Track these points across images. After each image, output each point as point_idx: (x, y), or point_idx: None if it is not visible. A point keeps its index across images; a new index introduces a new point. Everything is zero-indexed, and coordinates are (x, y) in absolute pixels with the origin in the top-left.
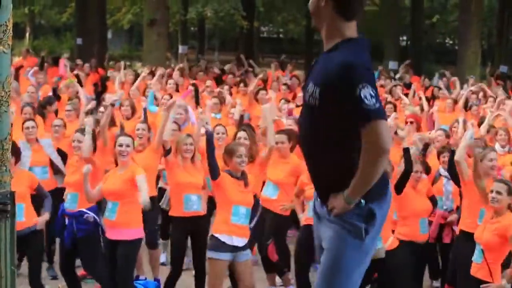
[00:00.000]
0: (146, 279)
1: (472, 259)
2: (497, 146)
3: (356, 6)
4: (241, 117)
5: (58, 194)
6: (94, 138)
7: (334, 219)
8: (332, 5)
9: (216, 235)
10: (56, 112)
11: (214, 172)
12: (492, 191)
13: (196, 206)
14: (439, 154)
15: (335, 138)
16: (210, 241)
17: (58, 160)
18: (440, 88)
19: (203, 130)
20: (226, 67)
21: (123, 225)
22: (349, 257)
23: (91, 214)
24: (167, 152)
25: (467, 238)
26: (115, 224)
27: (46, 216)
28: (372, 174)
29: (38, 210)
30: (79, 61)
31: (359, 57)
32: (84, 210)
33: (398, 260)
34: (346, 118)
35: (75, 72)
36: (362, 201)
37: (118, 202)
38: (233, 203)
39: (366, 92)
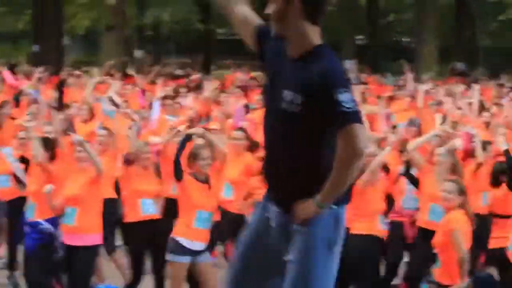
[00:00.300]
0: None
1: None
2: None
3: (324, 9)
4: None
5: (21, 202)
6: (51, 144)
7: (303, 230)
8: (300, 8)
9: (177, 238)
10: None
11: (178, 172)
12: (443, 191)
13: (151, 209)
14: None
15: (308, 144)
16: (170, 243)
17: (18, 170)
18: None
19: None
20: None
21: (83, 230)
22: (323, 267)
23: (47, 225)
24: (127, 161)
25: (425, 236)
26: (75, 230)
27: None
28: (347, 177)
29: None
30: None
31: (338, 63)
32: (40, 221)
33: (359, 252)
34: (321, 124)
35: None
36: (334, 206)
37: (77, 207)
38: (197, 208)
39: (346, 96)
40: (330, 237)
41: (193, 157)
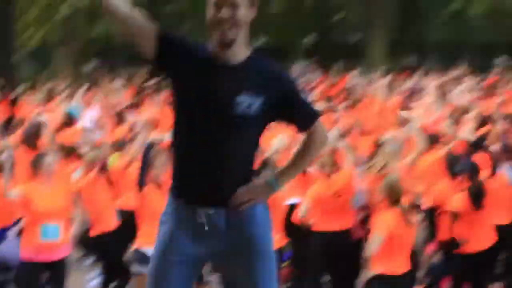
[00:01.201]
0: None
1: None
2: None
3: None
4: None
5: None
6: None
7: (251, 230)
8: (252, 12)
9: (142, 249)
10: None
11: (141, 181)
12: None
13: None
14: None
15: (256, 141)
16: (134, 255)
17: None
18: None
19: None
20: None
21: (65, 242)
22: (274, 265)
23: None
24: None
25: None
26: (60, 244)
27: None
28: (310, 163)
29: None
30: None
31: (280, 66)
32: None
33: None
34: (271, 122)
35: None
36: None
37: (62, 220)
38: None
39: (305, 95)
40: (269, 232)
41: (149, 165)
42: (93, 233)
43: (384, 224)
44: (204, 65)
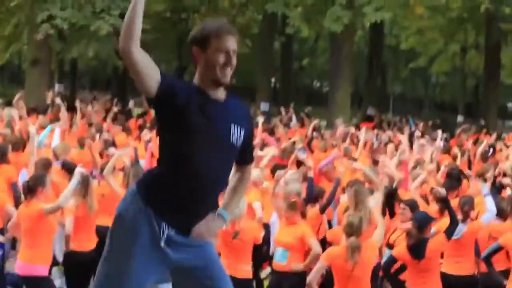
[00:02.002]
0: None
1: None
2: None
3: None
4: None
5: None
6: None
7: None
8: None
9: None
10: None
11: None
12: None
13: None
14: None
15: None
16: None
17: None
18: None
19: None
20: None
21: None
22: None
23: None
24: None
25: None
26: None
27: None
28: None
29: None
30: None
31: None
32: None
33: None
34: None
35: None
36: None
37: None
38: None
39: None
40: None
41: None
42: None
43: (328, 255)
44: (201, 101)
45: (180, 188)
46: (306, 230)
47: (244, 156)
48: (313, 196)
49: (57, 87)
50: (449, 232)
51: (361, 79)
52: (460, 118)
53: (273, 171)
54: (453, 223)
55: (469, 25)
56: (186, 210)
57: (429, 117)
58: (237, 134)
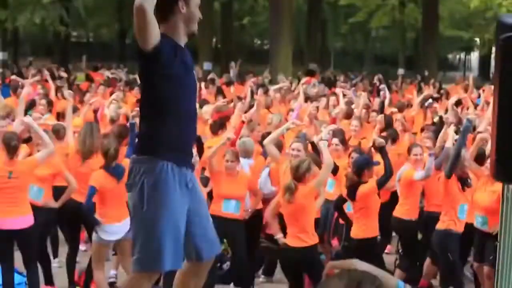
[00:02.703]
0: None
1: None
2: None
3: None
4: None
5: None
6: None
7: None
8: None
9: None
10: None
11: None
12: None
13: None
14: None
15: None
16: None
17: None
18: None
19: None
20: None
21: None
22: None
23: None
24: None
25: None
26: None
27: None
28: None
29: None
30: None
31: None
32: None
33: None
34: None
35: None
36: None
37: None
38: None
39: None
40: None
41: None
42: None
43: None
44: (181, 53)
45: (175, 128)
46: None
47: None
48: None
49: (0, 55)
50: (380, 182)
51: (302, 36)
52: (401, 71)
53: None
54: (386, 173)
55: None
56: (184, 146)
57: (370, 71)
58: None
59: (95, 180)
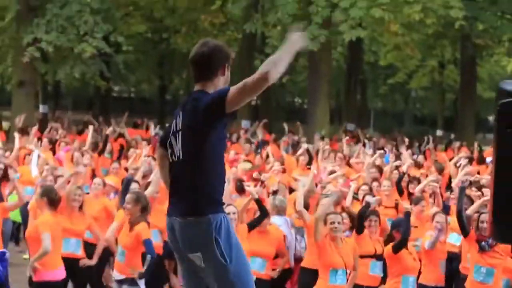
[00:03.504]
0: None
1: None
2: None
3: None
4: None
5: None
6: None
7: None
8: None
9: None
10: None
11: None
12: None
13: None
14: None
15: None
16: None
17: None
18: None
19: None
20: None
21: None
22: None
23: None
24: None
25: None
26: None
27: None
28: None
29: None
30: None
31: None
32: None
33: None
34: None
35: None
36: None
37: None
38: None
39: None
40: None
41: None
42: None
43: None
44: None
45: (223, 183)
46: None
47: None
48: None
49: (41, 108)
50: (395, 247)
51: (341, 95)
52: (439, 132)
53: None
54: (401, 240)
55: (446, 41)
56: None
57: (409, 131)
58: None
59: None
